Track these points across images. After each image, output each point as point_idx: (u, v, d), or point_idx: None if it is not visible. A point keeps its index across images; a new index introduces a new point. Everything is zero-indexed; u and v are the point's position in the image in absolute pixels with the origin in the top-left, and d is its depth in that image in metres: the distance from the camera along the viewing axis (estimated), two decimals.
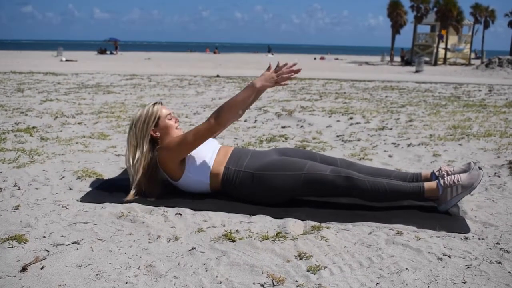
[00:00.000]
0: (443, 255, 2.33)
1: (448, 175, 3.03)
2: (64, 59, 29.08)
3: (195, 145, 3.01)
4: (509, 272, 2.16)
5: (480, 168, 2.96)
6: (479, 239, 2.55)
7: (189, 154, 3.06)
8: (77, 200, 3.04)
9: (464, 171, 3.05)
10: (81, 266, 2.15)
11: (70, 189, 3.28)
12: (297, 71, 2.98)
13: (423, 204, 3.02)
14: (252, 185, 2.99)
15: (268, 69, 3.06)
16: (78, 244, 2.38)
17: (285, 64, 3.01)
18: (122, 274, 2.09)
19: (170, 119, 3.19)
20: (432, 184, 2.94)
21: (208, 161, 3.09)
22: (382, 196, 2.93)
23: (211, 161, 3.09)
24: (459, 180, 2.90)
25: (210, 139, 3.22)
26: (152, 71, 18.22)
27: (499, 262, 2.26)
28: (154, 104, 3.20)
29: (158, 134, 3.15)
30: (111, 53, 43.70)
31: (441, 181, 2.92)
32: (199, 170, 3.07)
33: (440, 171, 3.09)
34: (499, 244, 2.48)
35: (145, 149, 3.10)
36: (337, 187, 2.93)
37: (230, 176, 3.05)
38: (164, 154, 3.06)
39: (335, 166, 3.10)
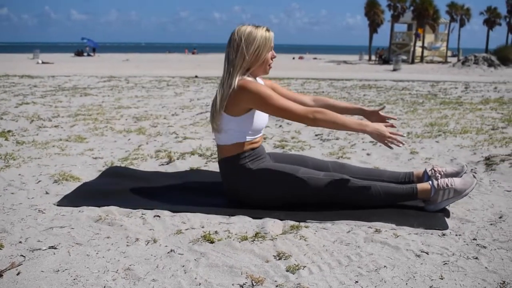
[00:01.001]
0: (421, 251, 2.35)
1: (441, 176, 3.05)
2: (40, 61, 28.77)
3: (272, 114, 2.88)
4: (486, 268, 2.19)
5: (474, 176, 2.97)
6: (456, 235, 2.57)
7: (253, 114, 2.91)
8: (54, 204, 3.00)
9: (457, 173, 3.07)
10: (58, 271, 2.13)
11: (47, 193, 3.24)
12: (402, 143, 2.88)
13: (403, 203, 3.04)
14: (247, 179, 2.94)
15: (381, 119, 3.03)
16: (55, 248, 2.35)
17: (397, 133, 2.87)
18: (100, 278, 2.07)
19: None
20: (425, 185, 2.94)
21: (254, 133, 2.97)
22: (376, 199, 2.93)
23: (254, 136, 2.97)
24: (453, 184, 2.90)
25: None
26: (130, 72, 18.10)
27: (476, 258, 2.29)
28: (268, 29, 2.94)
29: (252, 63, 2.91)
30: (89, 55, 43.29)
31: (435, 183, 2.91)
32: (240, 130, 2.93)
33: (432, 170, 3.10)
34: (475, 240, 2.51)
35: (241, 72, 2.88)
36: (331, 191, 2.91)
37: (245, 159, 2.94)
38: (244, 93, 2.82)
39: (327, 171, 3.09)
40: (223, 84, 2.90)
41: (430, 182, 2.94)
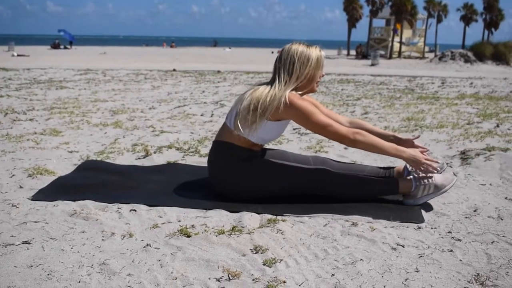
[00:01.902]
0: (397, 245, 2.36)
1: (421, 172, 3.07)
2: (15, 54, 28.27)
3: (311, 130, 2.90)
4: (460, 260, 2.21)
5: (455, 174, 3.00)
6: (431, 228, 2.60)
7: (277, 125, 2.92)
8: (28, 199, 2.96)
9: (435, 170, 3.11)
10: (32, 266, 2.09)
11: (21, 187, 3.18)
12: (437, 169, 2.92)
13: (382, 197, 3.06)
14: (235, 167, 2.93)
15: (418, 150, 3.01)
16: (29, 243, 2.31)
17: (433, 160, 2.92)
18: (75, 273, 2.04)
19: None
20: (407, 180, 2.97)
21: (268, 140, 3.01)
22: (357, 193, 2.95)
23: (262, 141, 2.99)
24: (433, 180, 2.93)
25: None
26: (107, 65, 17.91)
27: (451, 251, 2.31)
28: (320, 48, 2.98)
29: (304, 82, 2.92)
30: (65, 48, 42.71)
31: (416, 178, 2.95)
32: (264, 136, 2.94)
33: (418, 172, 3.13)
34: (450, 232, 2.54)
35: (289, 86, 2.88)
36: (313, 185, 2.93)
37: (239, 152, 2.93)
38: (290, 109, 2.82)
39: (309, 165, 3.09)
40: (274, 93, 2.85)
41: (411, 176, 2.97)
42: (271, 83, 2.94)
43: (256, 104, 2.86)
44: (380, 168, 3.24)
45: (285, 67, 2.90)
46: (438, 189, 2.93)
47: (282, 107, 2.81)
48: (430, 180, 2.93)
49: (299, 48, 2.92)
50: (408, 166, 3.14)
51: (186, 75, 13.02)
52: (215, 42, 67.75)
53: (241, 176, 2.94)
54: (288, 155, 3.21)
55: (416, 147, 3.13)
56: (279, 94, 2.84)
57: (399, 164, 3.32)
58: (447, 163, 3.90)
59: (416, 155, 2.88)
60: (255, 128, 2.87)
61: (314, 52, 2.93)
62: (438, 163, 2.94)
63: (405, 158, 2.88)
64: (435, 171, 2.90)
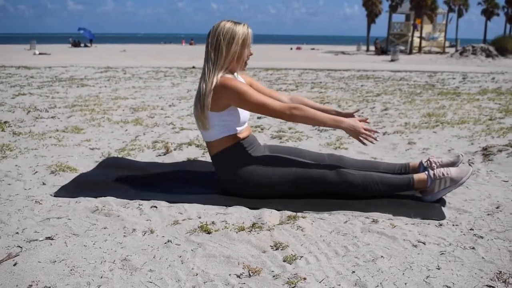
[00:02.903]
0: (418, 242, 2.35)
1: (437, 166, 3.05)
2: (37, 52, 28.61)
3: (250, 110, 2.91)
4: (483, 258, 2.19)
5: (470, 164, 2.97)
6: (453, 225, 2.58)
7: (235, 108, 2.94)
8: (51, 195, 3.00)
9: (452, 163, 3.08)
10: (55, 261, 2.12)
11: (44, 184, 3.23)
12: (375, 139, 2.91)
13: (400, 193, 3.05)
14: (244, 171, 2.94)
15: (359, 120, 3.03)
16: (52, 239, 2.34)
17: (371, 129, 2.91)
18: (97, 269, 2.06)
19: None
20: (422, 175, 2.95)
21: (239, 125, 2.99)
22: (373, 190, 2.94)
23: (241, 127, 3.00)
24: (449, 173, 2.91)
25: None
26: (127, 63, 18.04)
27: (473, 248, 2.29)
28: (247, 26, 2.96)
29: (229, 62, 2.92)
30: (85, 46, 43.12)
31: (431, 173, 2.93)
32: (227, 124, 2.95)
33: (428, 162, 3.11)
34: (472, 230, 2.51)
35: (224, 66, 2.91)
36: (328, 182, 2.93)
37: (236, 150, 2.96)
38: (223, 90, 2.85)
39: (324, 162, 3.09)
40: (205, 81, 2.90)
41: (426, 172, 2.95)
42: (203, 69, 2.94)
43: (197, 100, 2.92)
44: (396, 164, 3.22)
45: (211, 46, 2.90)
46: (454, 182, 2.90)
47: (215, 91, 2.84)
48: (445, 173, 2.91)
49: (225, 25, 2.91)
50: (423, 161, 3.12)
51: None
52: None
53: (248, 181, 2.95)
54: (303, 153, 3.22)
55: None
56: (211, 79, 2.86)
57: (415, 160, 3.30)
58: (468, 160, 3.86)
59: (355, 124, 2.87)
60: (213, 120, 2.90)
61: (241, 29, 2.91)
62: (377, 132, 2.92)
63: (344, 127, 2.87)
64: (373, 142, 2.88)
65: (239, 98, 2.84)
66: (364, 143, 2.91)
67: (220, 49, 2.88)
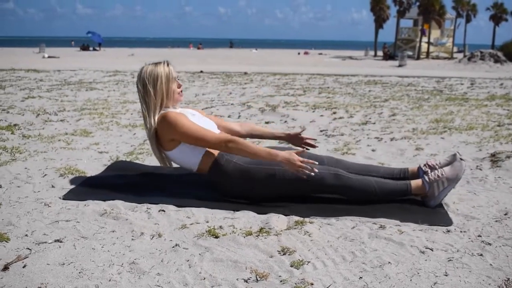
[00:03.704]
0: (426, 248, 2.35)
1: (432, 170, 3.06)
2: (46, 55, 28.77)
3: (189, 143, 2.99)
4: (491, 264, 2.19)
5: (461, 159, 2.99)
6: (461, 231, 2.57)
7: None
8: (60, 198, 3.02)
9: (450, 163, 3.08)
10: (64, 264, 2.14)
11: (53, 186, 3.25)
12: (312, 172, 2.88)
13: (407, 198, 3.05)
14: (240, 177, 2.98)
15: (298, 140, 3.21)
16: (61, 242, 2.36)
17: (308, 161, 2.88)
18: (105, 272, 2.08)
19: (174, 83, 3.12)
20: (418, 181, 2.97)
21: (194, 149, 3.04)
22: (370, 194, 2.95)
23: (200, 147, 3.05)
24: (443, 173, 2.94)
25: (212, 123, 3.22)
26: (136, 67, 18.09)
27: (481, 255, 2.29)
28: (167, 63, 3.13)
29: (164, 97, 3.07)
30: (94, 50, 43.33)
31: (426, 178, 2.95)
32: (194, 148, 3.02)
33: (426, 165, 3.11)
34: (480, 236, 2.51)
35: (159, 106, 3.06)
36: (325, 185, 2.94)
37: (221, 163, 3.01)
38: (164, 129, 3.00)
39: (322, 164, 3.10)
40: (146, 127, 3.08)
41: (423, 178, 2.98)
42: (142, 114, 3.13)
43: (151, 145, 3.12)
44: (395, 169, 3.23)
45: (141, 92, 3.08)
46: (452, 181, 2.93)
47: (160, 131, 3.02)
48: (441, 174, 2.93)
49: (147, 69, 3.10)
50: (422, 166, 3.13)
51: (213, 77, 13.09)
52: (231, 44, 68.67)
53: (248, 189, 2.99)
54: (302, 154, 3.23)
55: (304, 140, 3.33)
56: (150, 122, 3.05)
57: (414, 165, 3.30)
58: (477, 166, 3.85)
59: (290, 157, 2.85)
60: (180, 156, 3.07)
61: (162, 68, 3.08)
62: (315, 163, 2.88)
63: (279, 161, 2.87)
64: (312, 174, 2.84)
65: (177, 131, 2.97)
66: (302, 176, 2.86)
67: (149, 92, 3.05)
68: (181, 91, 3.18)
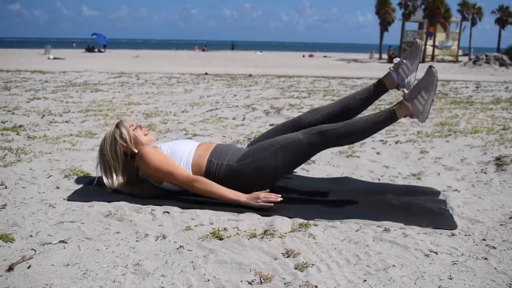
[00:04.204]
0: (430, 251, 2.34)
1: (399, 66, 3.21)
2: (51, 57, 28.87)
3: (160, 178, 3.09)
4: (495, 268, 2.18)
5: (431, 67, 3.00)
6: (465, 235, 2.57)
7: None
8: (64, 199, 3.03)
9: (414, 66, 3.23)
10: (68, 265, 2.15)
11: (58, 187, 3.26)
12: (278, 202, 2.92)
13: (412, 201, 3.05)
14: (235, 177, 3.02)
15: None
16: (65, 243, 2.37)
17: (272, 194, 2.93)
18: (110, 273, 2.08)
19: (135, 129, 3.25)
20: (400, 104, 3.03)
21: (186, 159, 3.11)
22: (360, 134, 3.03)
23: (189, 157, 3.12)
24: (420, 86, 2.99)
25: (186, 140, 3.34)
26: (141, 69, 18.15)
27: (485, 258, 2.28)
28: (116, 124, 3.25)
29: (131, 147, 3.20)
30: (99, 51, 43.45)
31: (406, 97, 3.02)
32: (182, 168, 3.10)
33: (395, 65, 3.25)
34: (485, 240, 2.50)
35: (121, 167, 3.22)
36: (316, 146, 3.01)
37: (213, 169, 3.06)
38: (143, 168, 3.14)
39: (303, 127, 3.16)
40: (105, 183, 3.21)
41: (402, 100, 3.02)
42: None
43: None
44: (370, 86, 3.34)
45: (110, 151, 3.19)
46: (429, 91, 2.97)
47: (142, 169, 3.16)
48: (418, 90, 2.98)
49: (106, 137, 3.23)
50: (391, 68, 3.26)
51: (218, 79, 13.11)
52: (232, 45, 68.72)
53: (246, 180, 3.03)
54: (279, 128, 3.34)
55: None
56: (107, 182, 3.18)
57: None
58: (481, 170, 3.84)
59: (253, 195, 2.92)
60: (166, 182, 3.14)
61: (111, 130, 3.22)
62: (279, 196, 2.91)
63: (242, 201, 2.91)
64: (278, 200, 2.88)
65: (150, 168, 3.06)
66: (268, 205, 2.86)
67: (115, 150, 3.18)
68: (147, 132, 3.29)
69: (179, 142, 3.24)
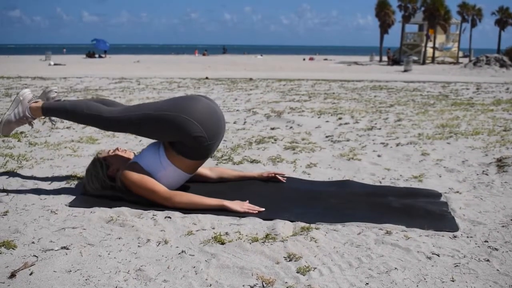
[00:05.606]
0: (432, 254, 2.34)
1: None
2: (52, 63, 28.91)
3: (145, 197, 3.07)
4: (498, 270, 2.18)
5: (485, 174, 3.00)
6: (467, 237, 2.57)
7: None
8: (66, 205, 3.03)
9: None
10: (70, 271, 2.15)
11: (59, 194, 3.26)
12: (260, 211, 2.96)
13: (413, 204, 3.05)
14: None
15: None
16: (67, 249, 2.37)
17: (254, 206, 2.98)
18: (112, 279, 2.08)
19: (113, 153, 3.33)
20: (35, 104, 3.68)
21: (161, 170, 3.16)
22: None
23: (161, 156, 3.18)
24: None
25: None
26: (141, 74, 18.17)
27: (488, 260, 2.28)
28: (94, 158, 3.34)
29: (113, 170, 3.26)
30: (100, 57, 43.51)
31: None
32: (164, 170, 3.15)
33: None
34: (487, 242, 2.50)
35: (109, 189, 3.25)
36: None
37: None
38: (126, 184, 3.12)
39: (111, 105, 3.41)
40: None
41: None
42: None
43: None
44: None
45: (92, 180, 3.26)
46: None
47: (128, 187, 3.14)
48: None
49: (87, 171, 3.30)
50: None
51: (218, 83, 13.12)
52: (224, 49, 68.53)
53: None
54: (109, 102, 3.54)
55: (276, 176, 3.56)
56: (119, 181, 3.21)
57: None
58: (483, 171, 3.84)
59: (237, 202, 2.97)
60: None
61: (91, 167, 3.29)
62: (262, 209, 2.94)
63: (227, 204, 2.94)
64: (261, 210, 2.93)
65: (131, 185, 3.07)
66: (252, 212, 2.91)
67: (96, 177, 3.24)
68: (124, 150, 3.40)
69: (145, 151, 3.26)
